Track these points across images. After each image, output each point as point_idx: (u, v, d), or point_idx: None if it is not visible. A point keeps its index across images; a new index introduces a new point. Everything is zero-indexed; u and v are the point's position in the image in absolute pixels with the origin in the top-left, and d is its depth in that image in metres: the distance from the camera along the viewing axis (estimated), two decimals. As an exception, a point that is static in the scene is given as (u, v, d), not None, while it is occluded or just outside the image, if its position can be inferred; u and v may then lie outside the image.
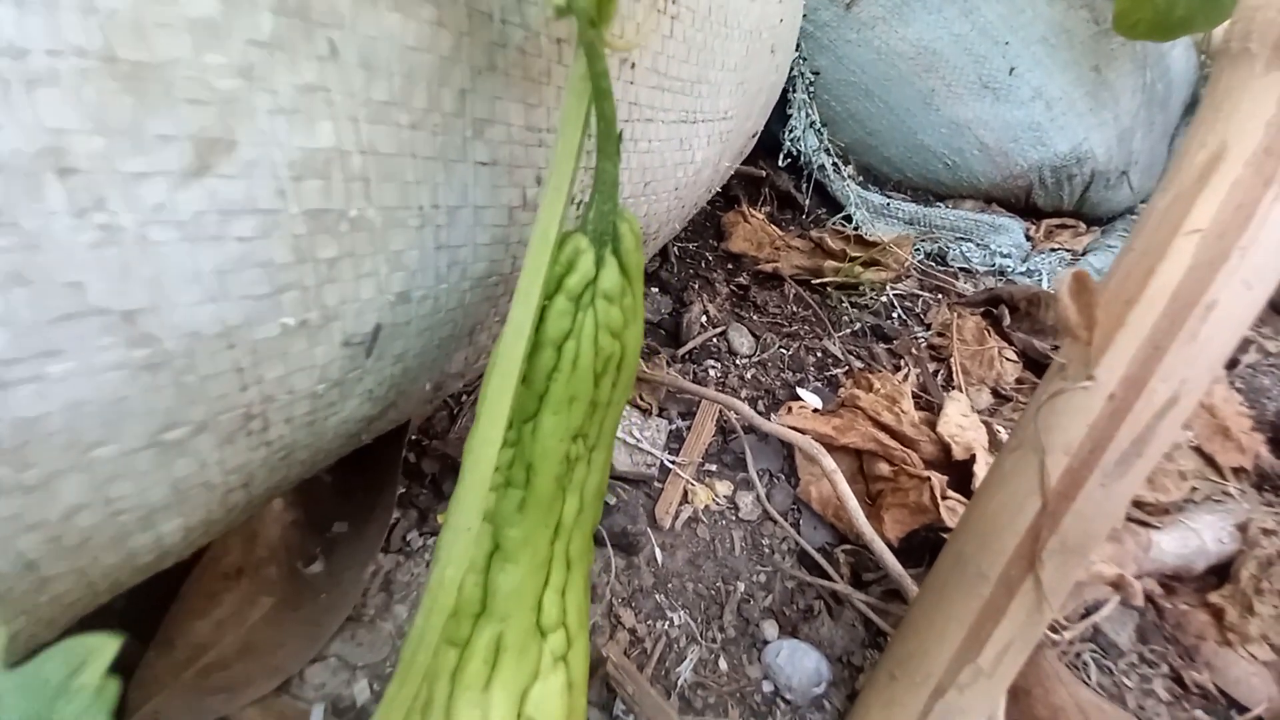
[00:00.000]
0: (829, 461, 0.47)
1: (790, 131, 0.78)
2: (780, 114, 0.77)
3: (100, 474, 0.15)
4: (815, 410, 0.56)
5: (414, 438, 0.46)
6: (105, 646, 0.11)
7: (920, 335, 0.71)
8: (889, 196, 0.85)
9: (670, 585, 0.44)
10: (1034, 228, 0.85)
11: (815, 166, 0.80)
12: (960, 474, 0.50)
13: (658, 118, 0.28)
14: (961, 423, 0.54)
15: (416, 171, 0.18)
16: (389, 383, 0.23)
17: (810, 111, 0.78)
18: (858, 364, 0.65)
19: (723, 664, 0.40)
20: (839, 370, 0.64)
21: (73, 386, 0.13)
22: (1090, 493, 0.28)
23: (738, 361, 0.62)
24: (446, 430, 0.47)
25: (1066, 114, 0.76)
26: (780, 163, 0.79)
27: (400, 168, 0.18)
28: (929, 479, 0.46)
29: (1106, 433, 0.27)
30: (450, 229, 0.21)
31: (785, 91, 0.75)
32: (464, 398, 0.50)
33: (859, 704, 0.36)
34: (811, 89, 0.78)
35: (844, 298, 0.72)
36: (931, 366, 0.66)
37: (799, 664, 0.40)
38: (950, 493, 0.47)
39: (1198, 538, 0.51)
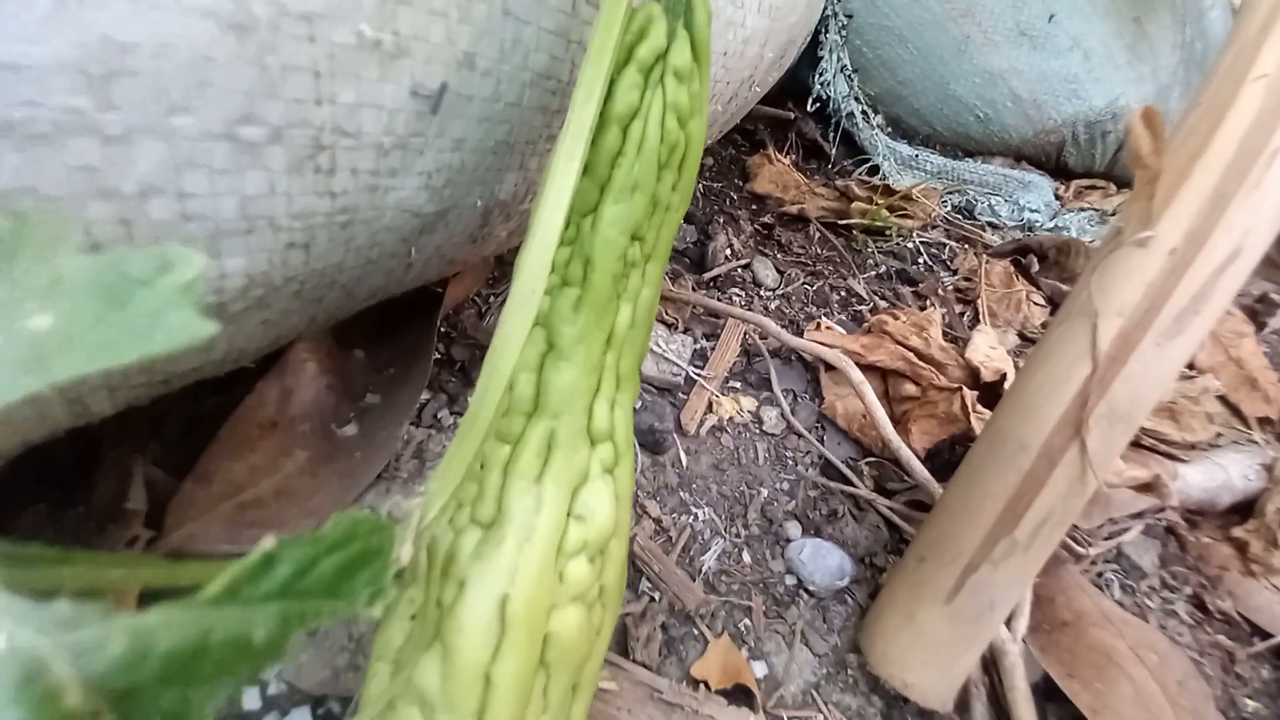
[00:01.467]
0: (856, 373, 0.47)
1: (820, 75, 0.77)
2: (811, 57, 0.76)
3: (178, 152, 0.15)
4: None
5: (444, 329, 0.46)
6: (193, 256, 0.11)
7: (946, 279, 0.70)
8: (917, 149, 0.84)
9: (695, 485, 0.43)
10: (1063, 187, 0.84)
11: (844, 114, 0.79)
12: (989, 396, 0.49)
13: (718, -46, 0.28)
14: (990, 353, 0.54)
15: (496, -90, 0.18)
16: (445, 174, 0.22)
17: (841, 55, 0.77)
18: (882, 304, 0.64)
19: (746, 557, 0.40)
20: (863, 308, 0.63)
21: (163, 19, 0.13)
22: (1143, 353, 0.27)
23: (762, 293, 0.61)
24: (476, 326, 0.47)
25: (1104, 66, 0.75)
26: (809, 107, 0.79)
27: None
28: (959, 389, 0.45)
29: (1164, 290, 0.27)
30: (519, -2, 0.20)
31: (817, 33, 0.75)
32: (491, 298, 0.50)
33: (885, 589, 0.36)
34: (844, 32, 0.77)
35: (869, 241, 0.72)
36: (958, 309, 0.66)
37: (822, 561, 0.40)
38: (980, 407, 0.46)
39: (1224, 473, 0.50)
